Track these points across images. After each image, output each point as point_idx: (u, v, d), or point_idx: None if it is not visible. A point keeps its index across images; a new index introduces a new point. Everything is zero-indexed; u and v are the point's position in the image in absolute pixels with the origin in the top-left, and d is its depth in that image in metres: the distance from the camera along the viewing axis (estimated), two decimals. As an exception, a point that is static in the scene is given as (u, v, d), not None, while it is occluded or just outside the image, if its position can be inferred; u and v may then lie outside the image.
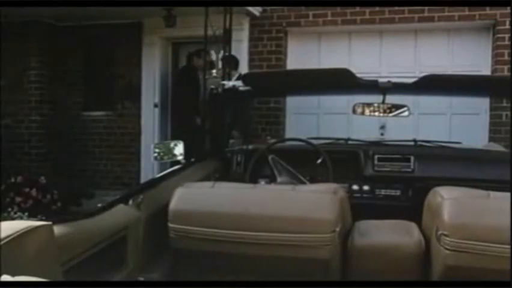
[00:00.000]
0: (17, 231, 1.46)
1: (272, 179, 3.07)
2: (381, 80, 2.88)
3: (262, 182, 3.07)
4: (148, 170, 7.41)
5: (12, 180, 6.62)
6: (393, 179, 3.11)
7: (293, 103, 7.15)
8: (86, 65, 7.93)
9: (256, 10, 7.00)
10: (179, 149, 2.96)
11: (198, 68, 7.17)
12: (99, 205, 2.11)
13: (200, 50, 6.88)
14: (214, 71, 6.70)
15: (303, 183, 2.95)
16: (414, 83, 2.80)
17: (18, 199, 6.40)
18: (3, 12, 6.28)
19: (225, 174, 3.20)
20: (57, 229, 1.65)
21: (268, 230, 1.98)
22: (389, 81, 2.83)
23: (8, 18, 6.63)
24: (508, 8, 5.98)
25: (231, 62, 6.52)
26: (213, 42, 6.31)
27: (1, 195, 6.38)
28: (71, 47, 7.82)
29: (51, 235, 1.59)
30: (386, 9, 6.65)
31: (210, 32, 6.23)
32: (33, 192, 6.54)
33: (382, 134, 6.43)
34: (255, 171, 3.14)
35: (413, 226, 2.25)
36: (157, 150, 2.97)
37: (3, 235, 1.41)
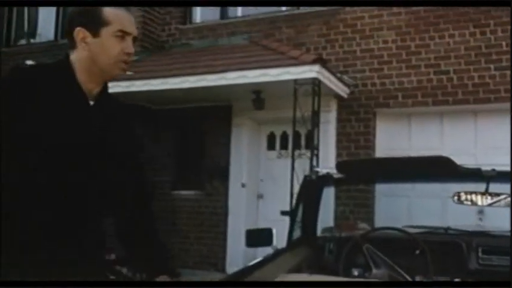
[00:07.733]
0: None
1: (366, 269, 2.93)
2: (484, 168, 2.72)
3: (356, 273, 2.95)
4: (234, 250, 7.38)
5: None
6: (503, 275, 2.85)
7: (383, 185, 6.94)
8: (177, 147, 8.21)
9: (343, 92, 7.03)
10: (271, 236, 2.92)
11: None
12: None
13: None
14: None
15: (400, 275, 2.79)
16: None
17: None
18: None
19: (316, 263, 3.10)
20: None
21: None
22: (493, 170, 2.68)
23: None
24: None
25: None
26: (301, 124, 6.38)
27: None
28: (164, 130, 8.15)
29: None
30: (480, 89, 6.45)
31: (298, 114, 6.32)
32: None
33: (480, 219, 6.04)
34: (347, 259, 3.01)
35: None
36: (249, 235, 2.94)
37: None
